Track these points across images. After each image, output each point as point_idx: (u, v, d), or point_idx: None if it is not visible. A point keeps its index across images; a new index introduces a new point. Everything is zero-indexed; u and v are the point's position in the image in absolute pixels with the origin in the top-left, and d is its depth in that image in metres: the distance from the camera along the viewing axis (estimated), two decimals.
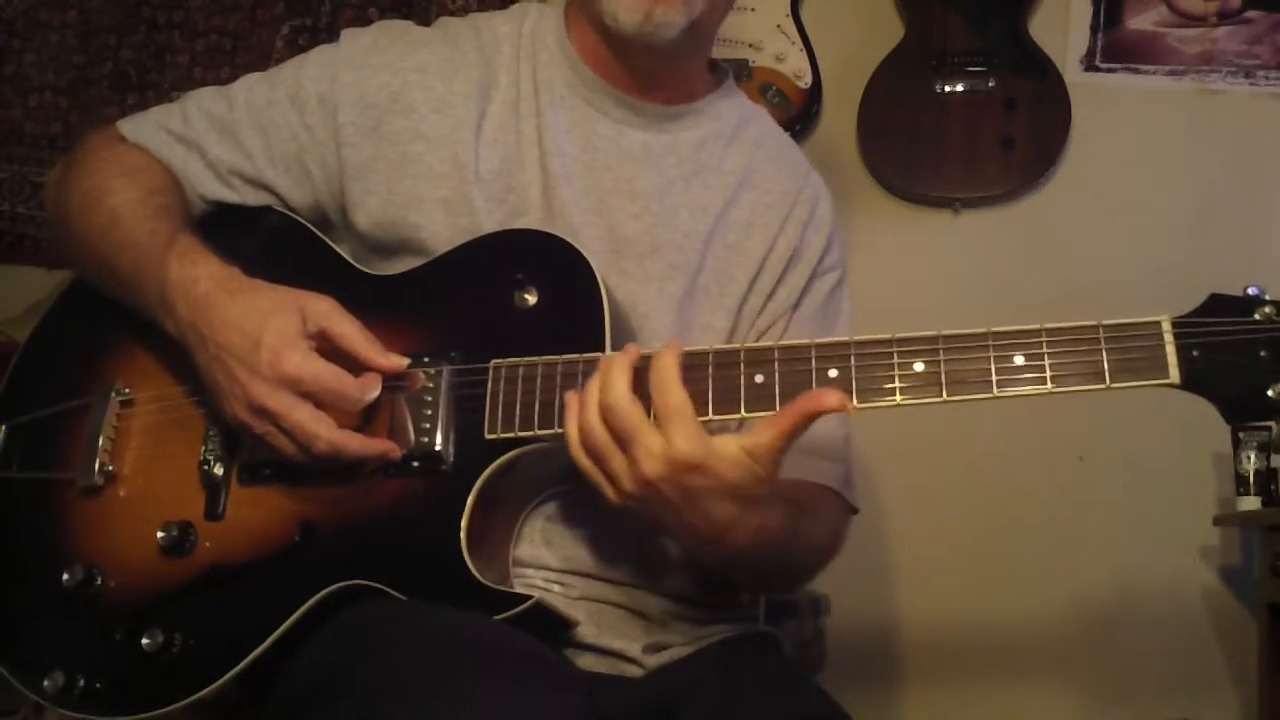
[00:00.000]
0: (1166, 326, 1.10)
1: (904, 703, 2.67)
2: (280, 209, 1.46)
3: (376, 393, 1.25)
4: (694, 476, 1.13)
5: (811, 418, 1.12)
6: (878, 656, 2.68)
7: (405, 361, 1.27)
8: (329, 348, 1.26)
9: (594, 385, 1.15)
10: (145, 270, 1.32)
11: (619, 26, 1.38)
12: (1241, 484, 2.40)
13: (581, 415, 1.15)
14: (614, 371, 1.15)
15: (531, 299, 1.29)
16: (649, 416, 1.13)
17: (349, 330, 1.26)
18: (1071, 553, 2.63)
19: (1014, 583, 2.65)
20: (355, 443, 1.24)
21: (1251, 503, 2.37)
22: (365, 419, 1.27)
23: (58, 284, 1.56)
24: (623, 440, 1.13)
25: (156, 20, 3.01)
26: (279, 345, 1.22)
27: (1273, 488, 2.37)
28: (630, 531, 1.35)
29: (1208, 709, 2.51)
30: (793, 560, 1.35)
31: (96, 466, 1.36)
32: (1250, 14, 2.77)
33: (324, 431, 1.22)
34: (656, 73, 1.46)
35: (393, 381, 1.28)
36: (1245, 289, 1.11)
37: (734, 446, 1.13)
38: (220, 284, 1.28)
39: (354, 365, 1.25)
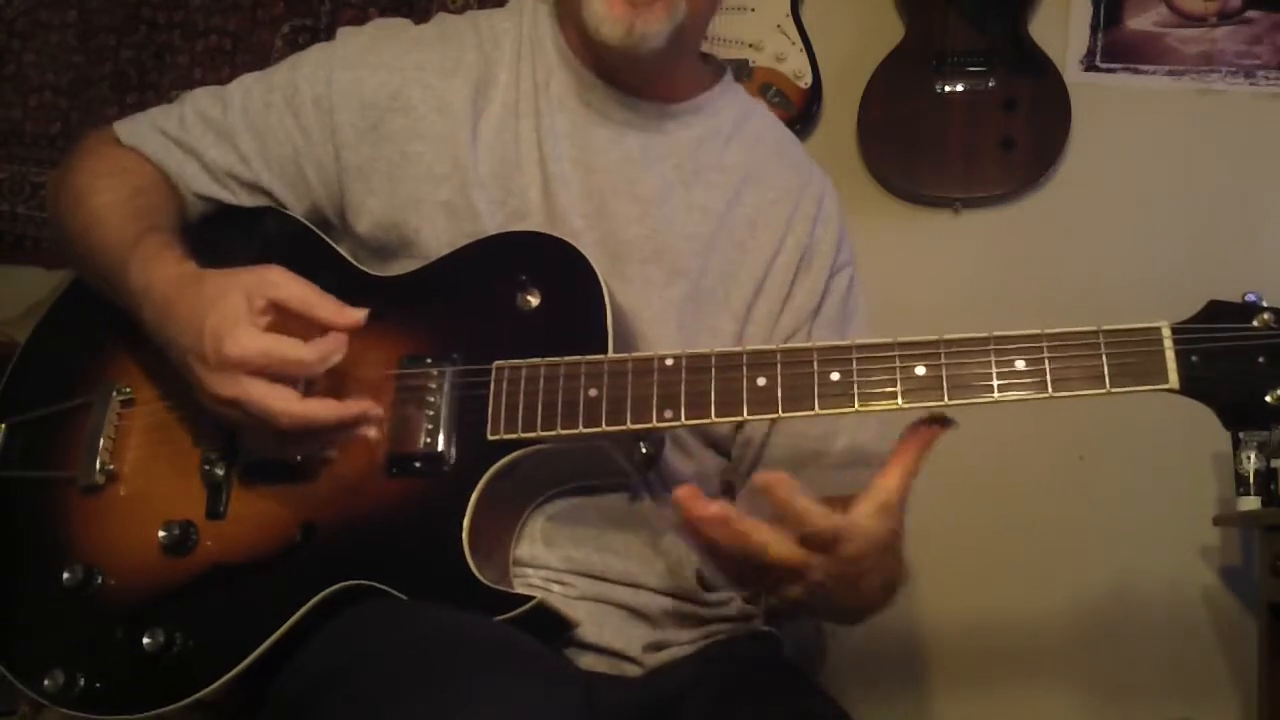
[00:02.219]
0: (1166, 332, 1.11)
1: (904, 703, 2.67)
2: (280, 209, 1.46)
3: (339, 353, 1.20)
4: (857, 566, 1.14)
5: (928, 448, 1.14)
6: (877, 656, 2.67)
7: (363, 313, 1.22)
8: (289, 319, 1.22)
9: (743, 541, 1.12)
10: (115, 275, 1.32)
11: (602, 39, 1.37)
12: (1241, 484, 2.40)
13: (724, 559, 1.14)
14: (762, 534, 1.11)
15: (534, 300, 1.29)
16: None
17: (299, 293, 1.22)
18: (1071, 552, 2.63)
19: (1014, 582, 2.65)
20: (326, 409, 1.20)
21: (1251, 503, 2.37)
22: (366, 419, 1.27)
23: (57, 284, 1.56)
24: (787, 570, 1.13)
25: (156, 20, 3.01)
26: (220, 330, 1.18)
27: (1273, 488, 2.37)
28: (630, 531, 1.35)
29: (1208, 709, 2.51)
30: (887, 596, 1.34)
31: (97, 466, 1.36)
32: (1250, 14, 2.77)
33: (285, 405, 1.18)
34: (649, 75, 1.45)
35: (401, 380, 1.28)
36: (1244, 295, 1.12)
37: (869, 512, 1.13)
38: (173, 283, 1.26)
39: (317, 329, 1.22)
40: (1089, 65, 2.81)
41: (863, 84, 2.82)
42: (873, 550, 1.14)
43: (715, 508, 1.10)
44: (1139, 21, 2.81)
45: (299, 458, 1.28)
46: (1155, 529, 2.59)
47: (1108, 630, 2.59)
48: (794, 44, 2.86)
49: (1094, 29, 2.82)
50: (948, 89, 2.76)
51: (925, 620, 2.69)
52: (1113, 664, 2.58)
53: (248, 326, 1.19)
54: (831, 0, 2.95)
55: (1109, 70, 2.81)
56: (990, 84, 2.74)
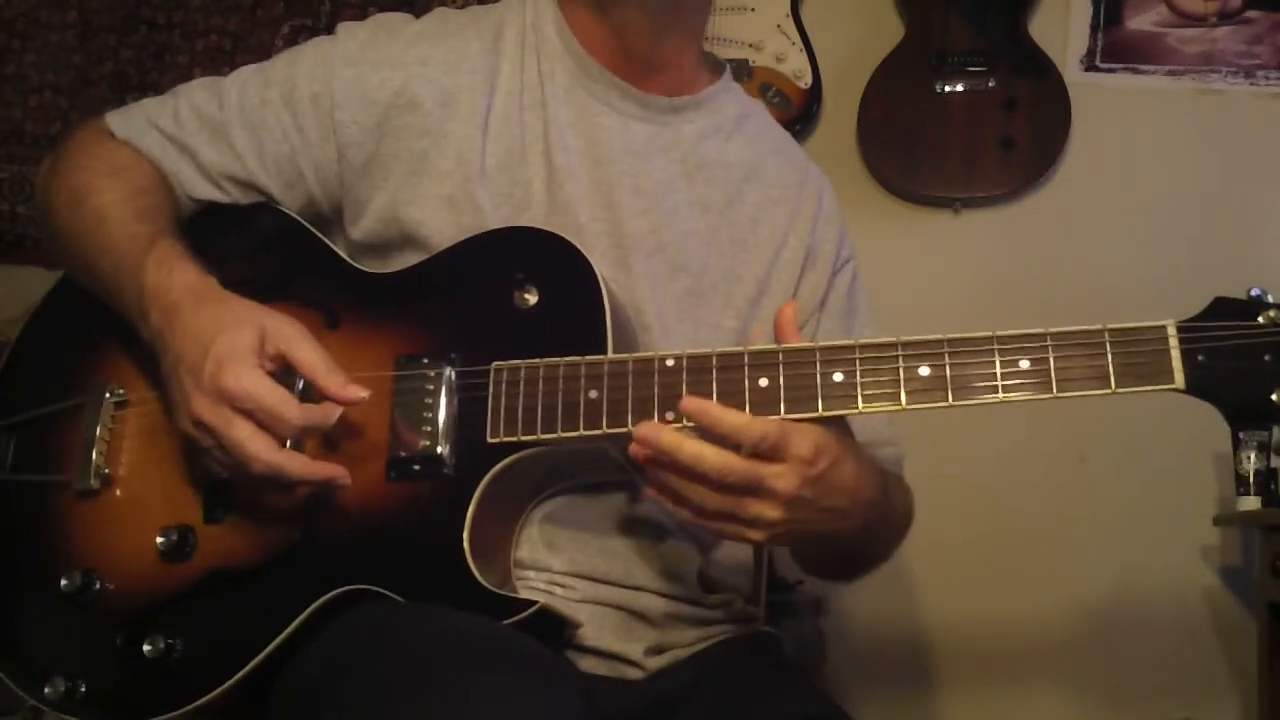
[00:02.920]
0: (1171, 331, 1.10)
1: (904, 703, 2.67)
2: (276, 206, 1.44)
3: (327, 424, 1.21)
4: (818, 464, 1.14)
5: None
6: (877, 657, 2.68)
7: (366, 394, 1.22)
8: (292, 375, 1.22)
9: (673, 473, 1.13)
10: (124, 275, 1.30)
11: None
12: (1241, 484, 2.40)
13: (684, 500, 1.15)
14: (689, 446, 1.12)
15: (532, 299, 1.28)
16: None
17: (309, 357, 1.22)
18: (1072, 553, 2.63)
19: (1014, 583, 2.65)
20: (296, 464, 1.19)
21: (1251, 503, 2.37)
22: (363, 421, 1.27)
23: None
24: (747, 489, 1.13)
25: (156, 20, 3.01)
26: (224, 357, 1.18)
27: (1273, 488, 2.37)
28: (632, 534, 1.35)
29: (1208, 709, 2.51)
30: (888, 525, 1.38)
31: (92, 469, 1.34)
32: (1250, 14, 2.77)
33: (260, 452, 1.17)
34: (653, 49, 1.44)
35: (399, 382, 1.28)
36: (1249, 291, 1.11)
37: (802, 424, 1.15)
38: (192, 293, 1.25)
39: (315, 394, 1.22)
40: (1089, 65, 2.81)
41: (863, 84, 2.82)
42: (826, 441, 1.15)
43: (642, 428, 1.13)
44: (1139, 21, 2.81)
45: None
46: (1155, 529, 2.59)
47: (1108, 630, 2.59)
48: (794, 44, 2.86)
49: (1094, 29, 2.83)
50: (948, 89, 2.76)
51: (925, 620, 2.70)
52: (1113, 664, 2.58)
53: (252, 365, 1.19)
54: (831, 0, 2.95)
55: (1109, 70, 2.81)
56: (990, 84, 2.74)
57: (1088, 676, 2.58)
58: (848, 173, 2.80)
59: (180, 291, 1.25)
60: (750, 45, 2.86)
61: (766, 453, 1.12)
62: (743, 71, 2.82)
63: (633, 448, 1.14)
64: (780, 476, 1.12)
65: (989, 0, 2.80)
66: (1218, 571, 2.59)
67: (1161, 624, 2.56)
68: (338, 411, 1.21)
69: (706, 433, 1.13)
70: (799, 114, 2.84)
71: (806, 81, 2.86)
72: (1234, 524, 2.51)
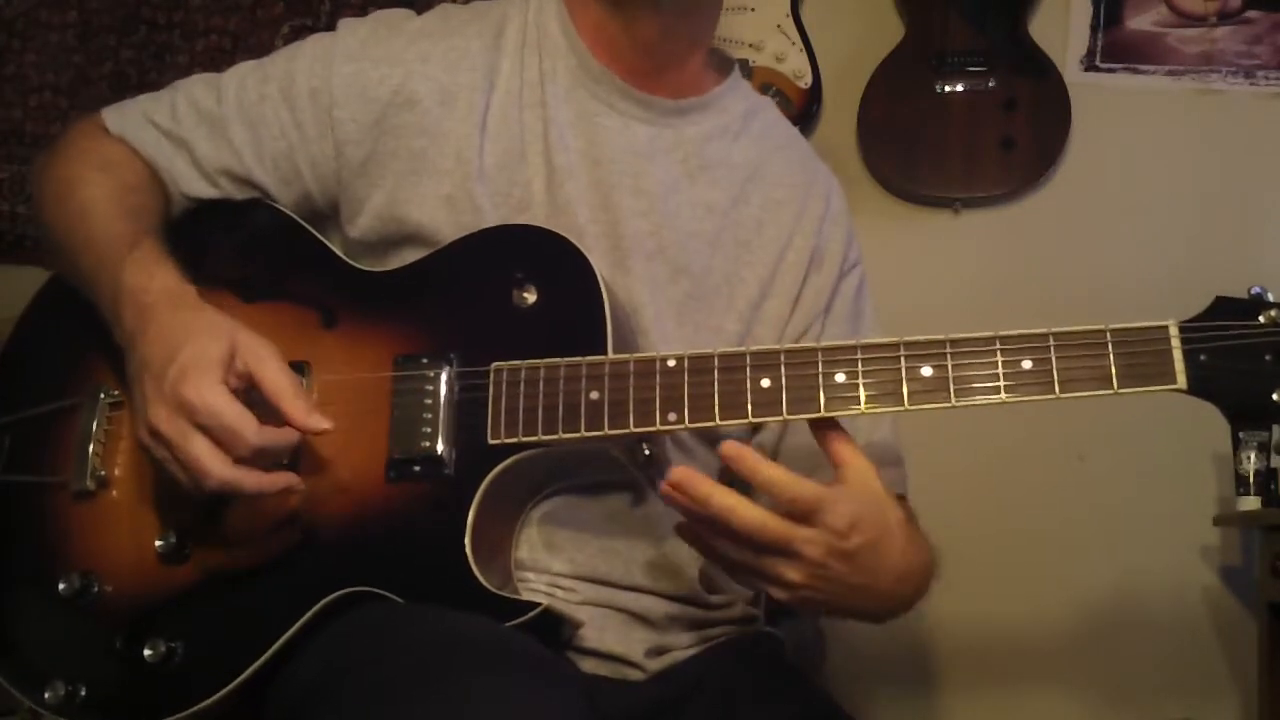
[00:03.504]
0: (1174, 331, 1.11)
1: (904, 703, 2.67)
2: (271, 203, 1.44)
3: (283, 448, 1.19)
4: (851, 539, 1.13)
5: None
6: (878, 657, 2.67)
7: (329, 425, 1.20)
8: (256, 397, 1.20)
9: (709, 515, 1.12)
10: (104, 272, 1.29)
11: None
12: (1241, 484, 2.39)
13: (717, 548, 1.15)
14: (720, 498, 1.11)
15: (530, 298, 1.28)
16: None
17: (278, 380, 1.20)
18: (1071, 553, 2.63)
19: (1013, 583, 2.65)
20: (251, 480, 1.18)
21: (1251, 503, 2.37)
22: (363, 421, 1.26)
23: None
24: (774, 549, 1.12)
25: (156, 20, 3.00)
26: (189, 366, 1.16)
27: (1273, 488, 2.37)
28: (633, 535, 1.35)
29: (1208, 709, 2.51)
30: (910, 598, 1.38)
31: (89, 470, 1.34)
32: (1250, 14, 2.77)
33: (215, 469, 1.15)
34: (662, 50, 1.43)
35: (398, 383, 1.27)
36: (1250, 290, 1.11)
37: (848, 478, 1.15)
38: (168, 296, 1.24)
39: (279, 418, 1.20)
40: (1089, 65, 2.81)
41: (863, 84, 2.81)
42: (867, 517, 1.14)
43: (678, 472, 1.11)
44: (1139, 21, 2.81)
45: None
46: (1155, 529, 2.59)
47: (1108, 630, 2.59)
48: (794, 44, 2.86)
49: (1094, 29, 2.82)
50: (948, 89, 2.75)
51: (925, 620, 2.69)
52: (1113, 664, 2.57)
53: (216, 379, 1.17)
54: (831, 0, 2.94)
55: (1109, 70, 2.80)
56: (990, 84, 2.74)
57: (1087, 676, 2.58)
58: (848, 173, 2.79)
59: (156, 294, 1.24)
60: (750, 45, 2.85)
61: (799, 515, 1.12)
62: (743, 71, 2.81)
63: (664, 488, 1.13)
64: (809, 542, 1.12)
65: (989, 0, 2.79)
66: (1218, 571, 2.59)
67: (1161, 624, 2.56)
68: (296, 438, 1.20)
69: (748, 478, 1.13)
70: (799, 114, 2.83)
71: (806, 81, 2.85)
72: (1234, 524, 2.51)
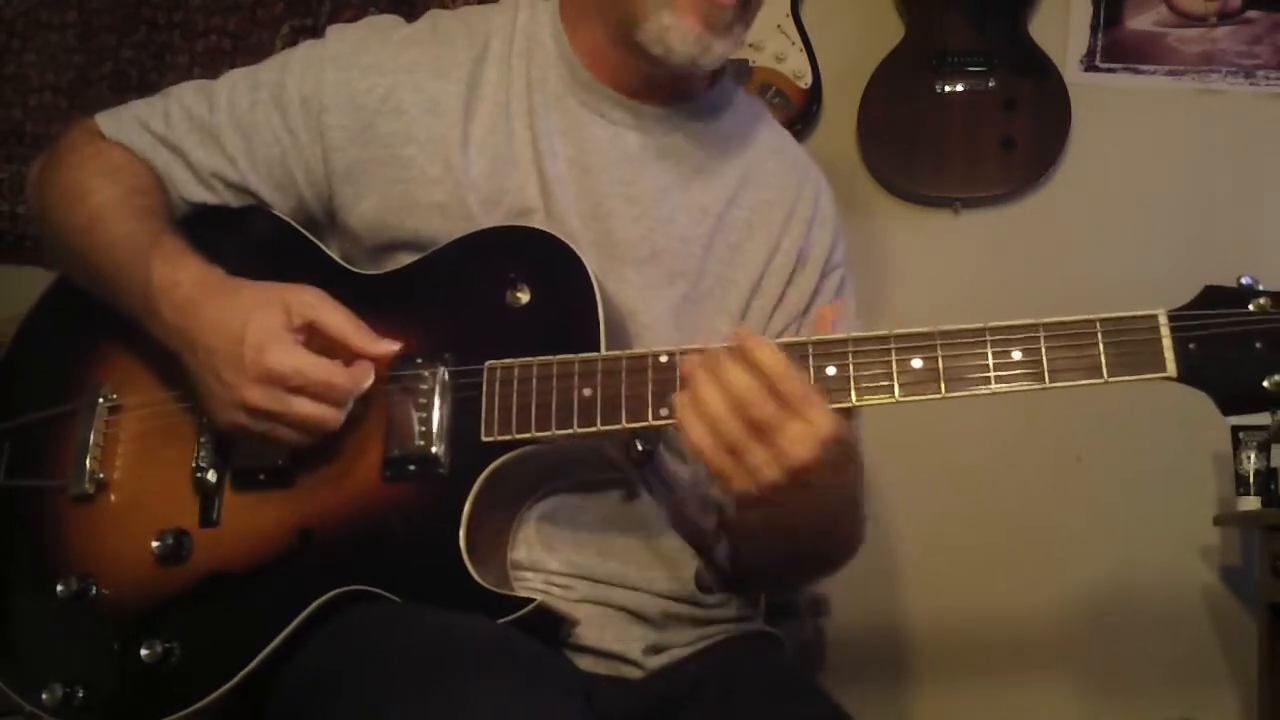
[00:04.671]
0: (1163, 320, 1.10)
1: (904, 703, 2.67)
2: (266, 209, 1.44)
3: (370, 381, 1.24)
4: (835, 449, 1.13)
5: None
6: (877, 657, 2.68)
7: (397, 346, 1.26)
8: (320, 340, 1.25)
9: (707, 382, 1.12)
10: (126, 272, 1.31)
11: (669, 56, 1.34)
12: (1241, 484, 2.40)
13: (703, 413, 1.12)
14: (729, 364, 1.12)
15: (524, 297, 1.28)
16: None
17: (337, 319, 1.25)
18: (1071, 553, 2.63)
19: (1013, 583, 2.65)
20: (360, 383, 1.24)
21: (1251, 503, 2.38)
22: (357, 422, 1.27)
23: None
24: (763, 431, 1.11)
25: (156, 20, 3.01)
26: (262, 342, 1.21)
27: (1273, 488, 2.37)
28: (629, 534, 1.35)
29: (1208, 709, 2.51)
30: (832, 541, 1.40)
31: (87, 474, 1.34)
32: (1250, 14, 2.77)
33: (330, 419, 1.23)
34: (666, 84, 1.43)
35: (393, 382, 1.28)
36: (1239, 279, 1.11)
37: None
38: (203, 285, 1.27)
39: (347, 354, 1.25)
40: (1089, 65, 2.81)
41: (863, 84, 2.82)
42: (845, 441, 1.15)
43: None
44: (1139, 21, 2.81)
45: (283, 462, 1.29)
46: (1155, 529, 2.59)
47: (1107, 630, 2.59)
48: (794, 44, 2.86)
49: (1094, 29, 2.83)
50: (948, 89, 2.76)
51: (924, 620, 2.70)
52: (1112, 664, 2.58)
53: (291, 342, 1.22)
54: (831, 0, 2.95)
55: (1109, 70, 2.81)
56: (990, 84, 2.74)
57: (1087, 676, 2.58)
58: (848, 173, 2.80)
59: (190, 285, 1.27)
60: (750, 45, 2.85)
61: (800, 409, 1.11)
62: (743, 71, 2.82)
63: (684, 362, 1.15)
64: (801, 443, 1.10)
65: (989, 0, 2.80)
66: (1218, 571, 2.59)
67: (1161, 623, 2.56)
68: (372, 368, 1.25)
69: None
70: (799, 114, 2.84)
71: (806, 81, 2.86)
72: (1234, 524, 2.51)
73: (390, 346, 1.26)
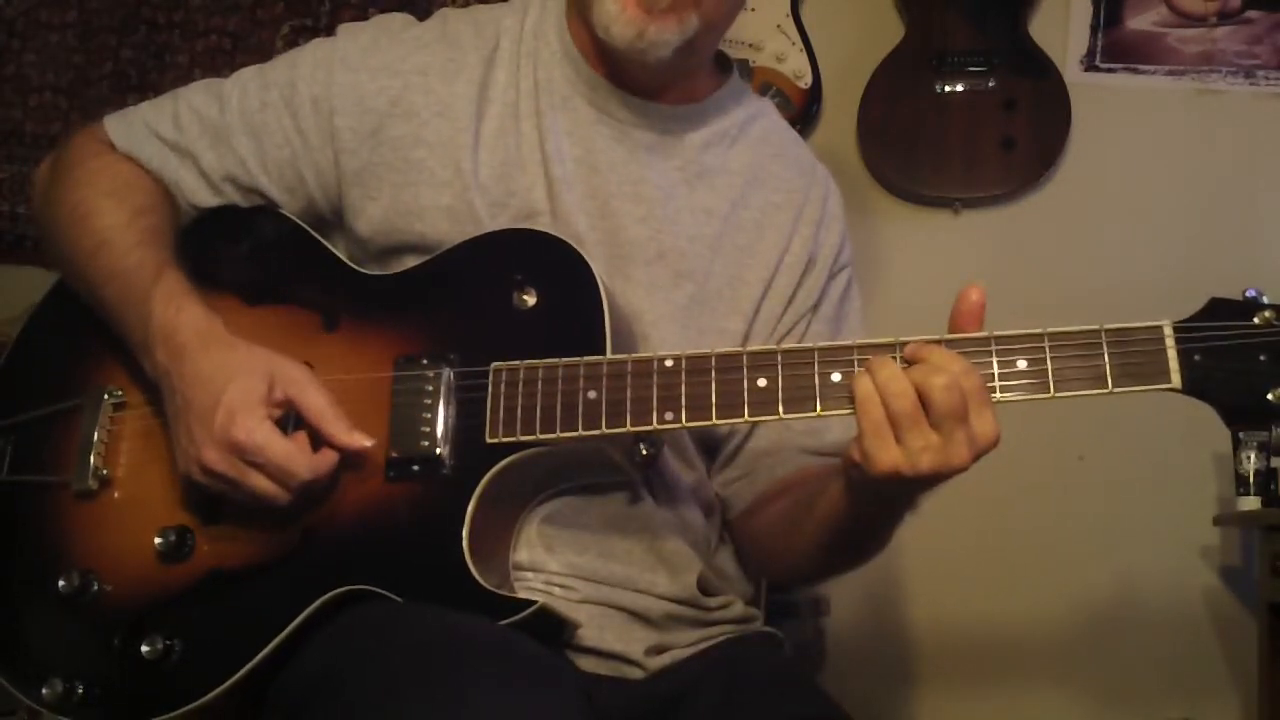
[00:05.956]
0: (1168, 331, 1.10)
1: (904, 702, 2.67)
2: (275, 210, 1.44)
3: (331, 471, 1.24)
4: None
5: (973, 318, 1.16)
6: (877, 657, 2.68)
7: (370, 442, 1.24)
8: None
9: (889, 365, 1.12)
10: (129, 305, 1.31)
11: (610, 40, 1.35)
12: (1241, 484, 2.40)
13: (883, 375, 1.11)
14: (938, 353, 1.12)
15: (531, 300, 1.28)
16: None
17: (316, 403, 1.24)
18: (1071, 553, 2.63)
19: (1013, 583, 2.65)
20: (321, 475, 1.23)
21: (1251, 503, 2.38)
22: (363, 421, 1.26)
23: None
24: (944, 417, 1.10)
25: (156, 20, 3.01)
26: (235, 408, 1.20)
27: (1273, 488, 2.37)
28: (632, 536, 1.35)
29: (1208, 709, 2.52)
30: (880, 540, 1.38)
31: (91, 470, 1.34)
32: (1250, 14, 2.77)
33: (281, 498, 1.22)
34: (654, 81, 1.44)
35: (398, 383, 1.28)
36: (1244, 292, 1.11)
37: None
38: (199, 335, 1.26)
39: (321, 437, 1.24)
40: (1089, 65, 2.81)
41: (863, 84, 2.82)
42: None
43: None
44: (1139, 21, 2.82)
45: None
46: (1155, 529, 2.59)
47: (1108, 630, 2.59)
48: (794, 44, 2.86)
49: (1094, 29, 2.83)
50: (948, 89, 2.76)
51: (924, 620, 2.70)
52: (1112, 664, 2.58)
53: (262, 416, 1.21)
54: (831, 0, 2.95)
55: (1109, 70, 2.81)
56: (990, 84, 2.74)
57: (1087, 676, 2.59)
58: (848, 173, 2.80)
59: (188, 332, 1.26)
60: (750, 45, 2.86)
61: (980, 408, 1.12)
62: (743, 72, 2.81)
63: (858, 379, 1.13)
64: (983, 435, 1.12)
65: (989, 0, 2.80)
66: (1218, 571, 2.60)
67: (1161, 624, 2.57)
68: (337, 459, 1.24)
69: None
70: (799, 114, 2.84)
71: (806, 81, 2.86)
72: (1234, 524, 2.51)
73: (362, 441, 1.24)
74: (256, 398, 1.22)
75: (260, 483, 1.21)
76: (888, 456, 1.11)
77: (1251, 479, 2.39)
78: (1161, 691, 2.54)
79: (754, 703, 1.28)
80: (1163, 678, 2.55)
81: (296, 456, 1.21)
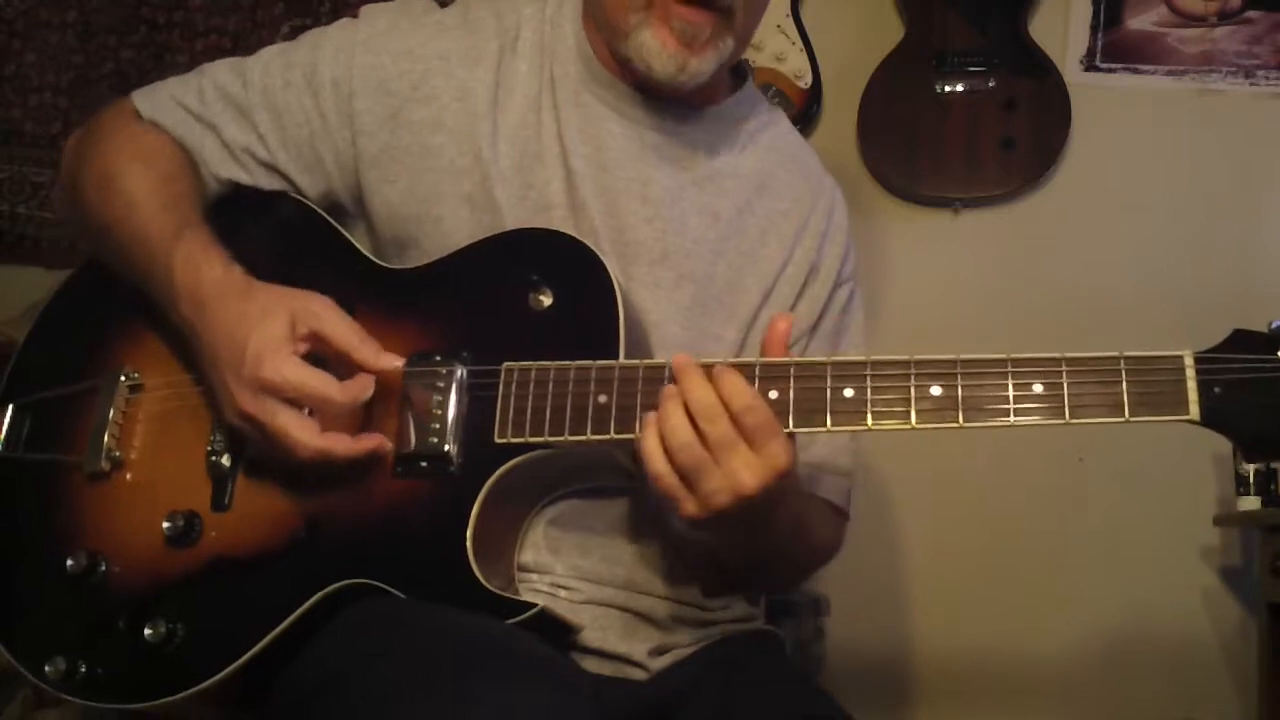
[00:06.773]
0: (1189, 361, 1.10)
1: (903, 702, 2.67)
2: (295, 196, 1.44)
3: (367, 395, 1.24)
4: (785, 481, 1.14)
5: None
6: (877, 657, 2.68)
7: (400, 361, 1.26)
8: (325, 350, 1.25)
9: (674, 399, 1.14)
10: (155, 265, 1.32)
11: (652, 74, 1.37)
12: (1241, 484, 2.40)
13: (667, 427, 1.13)
14: (699, 381, 1.13)
15: (546, 301, 1.28)
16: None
17: (340, 330, 1.25)
18: (1071, 553, 2.63)
19: (1012, 582, 2.65)
20: (341, 446, 1.23)
21: (1251, 503, 2.38)
22: (373, 415, 1.27)
23: (57, 283, 1.54)
24: (718, 450, 1.12)
25: (156, 20, 3.01)
26: (261, 350, 1.21)
27: (1273, 488, 2.37)
28: (635, 538, 1.35)
29: (1208, 709, 2.52)
30: (795, 553, 1.37)
31: (103, 452, 1.35)
32: (1250, 14, 2.77)
33: (306, 438, 1.21)
34: (677, 92, 1.43)
35: (410, 378, 1.28)
36: (1270, 324, 1.10)
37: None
38: (218, 287, 1.27)
39: (350, 365, 1.25)
40: (1089, 65, 2.82)
41: (863, 84, 2.82)
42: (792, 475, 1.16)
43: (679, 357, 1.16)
44: (1139, 21, 2.82)
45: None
46: (1155, 529, 2.59)
47: (1107, 630, 2.59)
48: (794, 44, 2.86)
49: (1094, 29, 2.83)
50: (948, 89, 2.76)
51: (924, 618, 2.70)
52: (1112, 664, 2.58)
53: (288, 353, 1.22)
54: (831, 0, 2.95)
55: (1109, 70, 2.81)
56: (990, 84, 2.74)
57: (1087, 676, 2.59)
58: (848, 173, 2.79)
59: (208, 285, 1.27)
60: (750, 45, 2.85)
61: (758, 438, 1.12)
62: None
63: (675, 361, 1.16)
64: (749, 469, 1.12)
65: (989, 0, 2.80)
66: (1218, 571, 2.60)
67: (1162, 624, 2.57)
68: (373, 381, 1.25)
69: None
70: (799, 114, 2.84)
71: (806, 81, 2.86)
72: (1234, 524, 2.51)
73: (392, 361, 1.26)
74: (280, 336, 1.23)
75: (287, 420, 1.21)
76: (689, 509, 1.15)
77: (1251, 479, 2.39)
78: (1161, 691, 2.54)
79: (754, 702, 1.28)
80: (1163, 677, 2.55)
81: (330, 384, 1.23)
